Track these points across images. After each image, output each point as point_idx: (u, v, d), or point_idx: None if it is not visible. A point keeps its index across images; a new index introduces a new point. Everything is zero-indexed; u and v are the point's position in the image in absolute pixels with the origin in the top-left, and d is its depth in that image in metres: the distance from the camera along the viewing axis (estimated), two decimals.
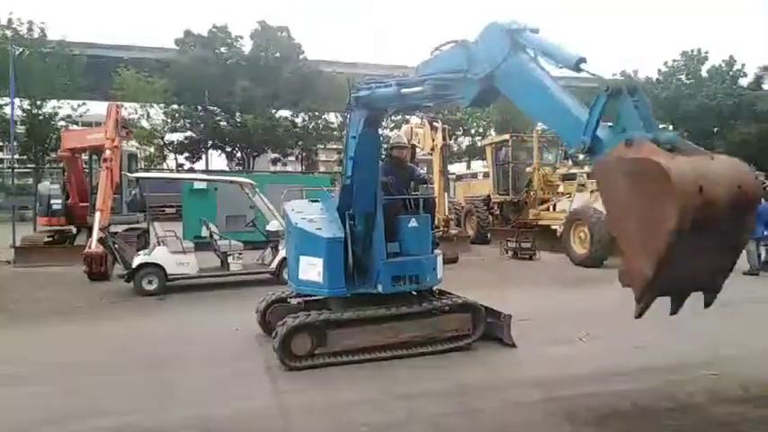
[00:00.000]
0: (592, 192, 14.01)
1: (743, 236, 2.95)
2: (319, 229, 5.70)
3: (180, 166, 39.08)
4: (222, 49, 35.78)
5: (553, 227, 14.20)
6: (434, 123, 14.28)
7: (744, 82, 37.66)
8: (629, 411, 4.28)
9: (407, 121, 19.25)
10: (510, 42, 3.72)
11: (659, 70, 38.98)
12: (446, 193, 15.34)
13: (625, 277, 3.01)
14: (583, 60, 3.37)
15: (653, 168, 2.64)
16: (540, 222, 15.18)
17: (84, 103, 33.65)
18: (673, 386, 4.81)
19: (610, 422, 4.08)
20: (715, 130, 37.40)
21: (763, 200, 12.17)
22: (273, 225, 10.01)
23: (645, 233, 2.79)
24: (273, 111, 36.53)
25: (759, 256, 11.46)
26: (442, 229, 13.65)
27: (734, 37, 79.58)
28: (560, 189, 15.16)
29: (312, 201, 6.54)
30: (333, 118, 39.49)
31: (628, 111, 3.00)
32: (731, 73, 37.42)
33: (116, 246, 9.66)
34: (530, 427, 3.89)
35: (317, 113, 38.29)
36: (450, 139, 24.78)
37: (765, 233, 11.50)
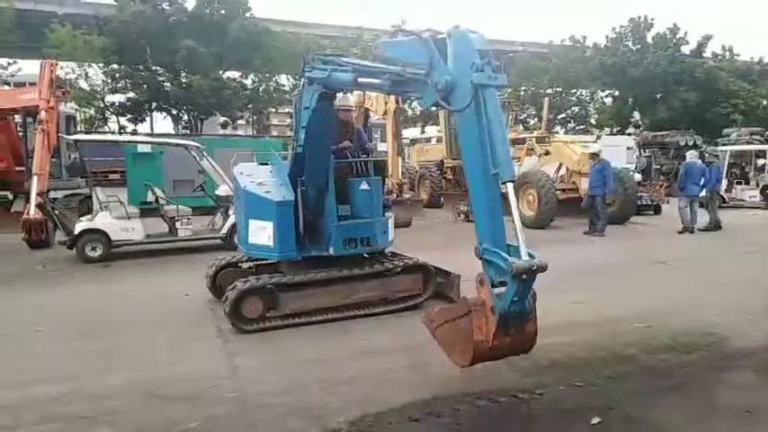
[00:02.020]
0: (540, 156, 14.39)
1: None
2: (269, 192, 5.64)
3: (122, 128, 37.33)
4: (164, 5, 33.93)
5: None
6: None
7: (686, 50, 38.89)
8: (566, 362, 4.54)
9: None
10: (473, 94, 3.61)
11: (607, 36, 39.70)
12: (400, 158, 15.38)
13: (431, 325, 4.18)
14: (512, 181, 3.85)
15: (470, 343, 3.68)
16: None
17: (14, 62, 31.46)
18: (607, 338, 5.12)
19: (549, 372, 4.31)
20: (659, 95, 38.65)
21: (697, 160, 12.90)
22: (223, 189, 9.79)
23: (451, 339, 3.96)
24: (221, 71, 35.18)
25: (695, 213, 12.13)
26: (395, 193, 13.74)
27: (678, 5, 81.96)
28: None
29: (261, 164, 6.44)
30: (284, 80, 38.39)
31: (511, 286, 3.53)
32: (674, 41, 38.54)
33: (56, 212, 9.25)
34: (474, 379, 4.07)
35: (267, 75, 37.10)
36: (404, 103, 24.66)
37: (698, 192, 12.22)
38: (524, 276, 3.45)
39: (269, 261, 6.10)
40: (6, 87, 27.78)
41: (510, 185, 3.72)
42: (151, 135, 31.89)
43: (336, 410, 3.65)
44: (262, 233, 5.55)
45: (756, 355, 4.74)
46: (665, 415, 3.67)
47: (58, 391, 3.93)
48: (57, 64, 12.15)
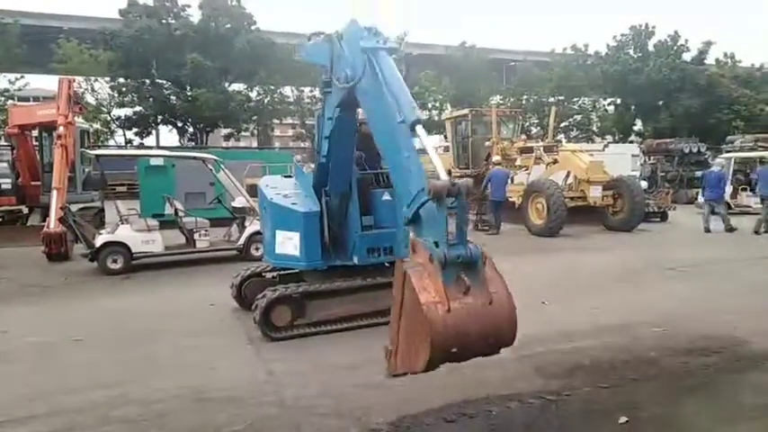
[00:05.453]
0: (548, 165, 14.56)
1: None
2: (295, 203, 5.81)
3: (129, 141, 37.64)
4: (170, 20, 34.34)
5: (512, 199, 14.69)
6: None
7: (687, 57, 39.18)
8: (591, 365, 4.69)
9: None
10: (366, 62, 3.72)
11: (608, 45, 40.01)
12: None
13: (391, 361, 3.42)
14: (419, 122, 3.38)
15: (422, 314, 2.81)
16: None
17: (22, 77, 31.85)
18: (627, 342, 5.27)
19: (576, 374, 4.46)
20: (661, 103, 38.91)
21: (715, 168, 13.29)
22: (239, 201, 10.00)
23: (408, 343, 3.14)
24: (226, 84, 35.51)
25: (709, 216, 12.61)
26: None
27: (678, 12, 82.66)
28: (518, 162, 15.62)
29: (285, 176, 6.62)
30: (288, 92, 38.71)
31: (440, 219, 3.01)
32: (675, 48, 38.84)
33: (78, 225, 9.42)
34: (506, 382, 4.22)
35: (272, 87, 37.42)
36: None
37: (713, 197, 12.67)
38: (456, 199, 2.97)
39: (292, 271, 6.25)
40: (12, 102, 28.01)
41: (419, 128, 3.37)
42: (162, 148, 32.22)
43: (374, 412, 3.80)
44: (289, 243, 5.72)
45: None
46: (690, 414, 3.81)
47: (109, 396, 4.09)
48: (74, 80, 12.42)
